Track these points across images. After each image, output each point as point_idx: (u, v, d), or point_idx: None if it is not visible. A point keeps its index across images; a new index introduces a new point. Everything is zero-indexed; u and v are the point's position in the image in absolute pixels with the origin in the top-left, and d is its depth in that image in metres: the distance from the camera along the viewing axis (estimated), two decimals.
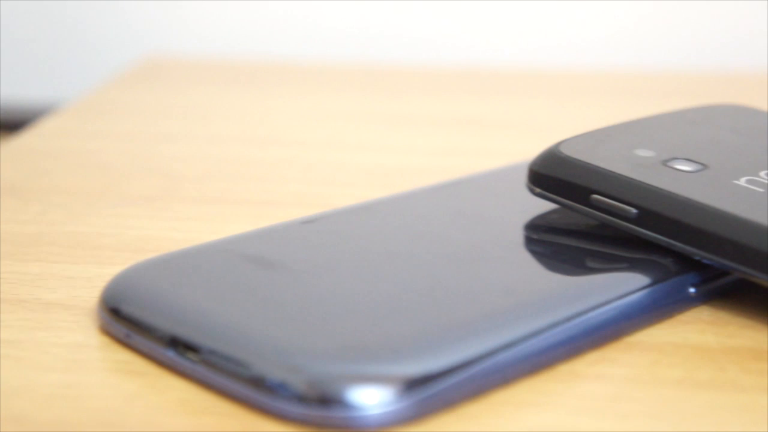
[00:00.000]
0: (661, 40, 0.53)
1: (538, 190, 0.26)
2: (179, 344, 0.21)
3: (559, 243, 0.26)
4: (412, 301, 0.22)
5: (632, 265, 0.24)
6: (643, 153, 0.26)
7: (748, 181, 0.25)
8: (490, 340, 0.21)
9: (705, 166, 0.26)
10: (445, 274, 0.23)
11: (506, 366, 0.21)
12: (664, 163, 0.26)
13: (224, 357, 0.20)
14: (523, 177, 0.27)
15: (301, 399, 0.19)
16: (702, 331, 0.23)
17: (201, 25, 0.56)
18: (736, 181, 0.25)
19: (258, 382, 0.20)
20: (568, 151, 0.26)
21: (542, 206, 0.27)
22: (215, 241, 0.25)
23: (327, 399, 0.19)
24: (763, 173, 0.25)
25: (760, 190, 0.24)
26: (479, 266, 0.24)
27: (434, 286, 0.23)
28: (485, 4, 0.53)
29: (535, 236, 0.26)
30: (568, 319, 0.22)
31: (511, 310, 0.22)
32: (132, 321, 0.22)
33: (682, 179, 0.25)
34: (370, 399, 0.19)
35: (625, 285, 0.23)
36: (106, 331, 0.22)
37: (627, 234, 0.25)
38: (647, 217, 0.24)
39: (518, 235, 0.26)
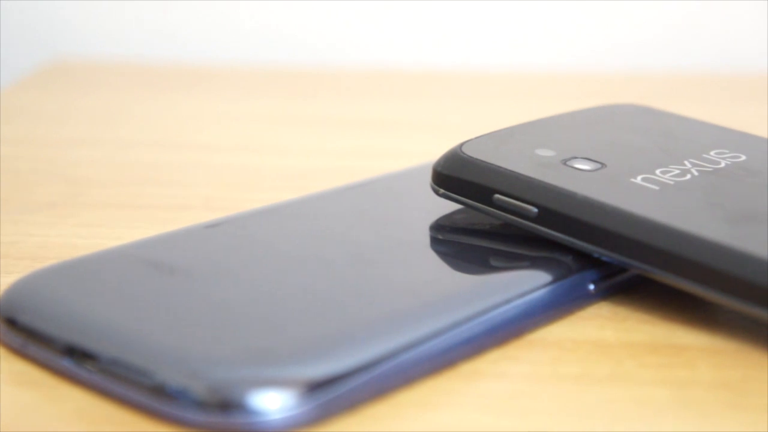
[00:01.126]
0: (571, 41, 0.53)
1: (441, 190, 0.26)
2: (76, 353, 0.20)
3: (463, 243, 0.26)
4: (314, 303, 0.22)
5: (533, 264, 0.24)
6: (543, 153, 0.27)
7: (644, 179, 0.25)
8: (392, 341, 0.21)
9: (603, 165, 0.26)
10: (349, 275, 0.23)
11: (409, 366, 0.21)
12: (564, 162, 0.26)
13: (123, 365, 0.20)
14: (428, 178, 0.27)
15: (202, 406, 0.19)
16: (601, 327, 0.23)
17: (108, 28, 0.55)
18: (633, 179, 0.25)
19: (158, 390, 0.19)
20: (471, 152, 0.26)
21: (447, 206, 0.27)
22: (116, 247, 0.24)
23: (228, 405, 0.19)
24: (658, 171, 0.26)
25: (655, 187, 0.25)
26: (383, 267, 0.24)
27: (337, 288, 0.23)
28: (392, 6, 0.54)
29: (439, 236, 0.26)
30: (470, 318, 0.22)
31: (414, 310, 0.22)
32: (28, 330, 0.21)
33: (580, 178, 0.25)
34: (272, 403, 0.19)
35: (526, 283, 0.23)
36: (2, 341, 0.22)
37: (529, 233, 0.25)
38: (547, 215, 0.25)
39: (422, 236, 0.26)
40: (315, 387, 0.19)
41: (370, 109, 0.43)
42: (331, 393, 0.20)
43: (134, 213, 0.30)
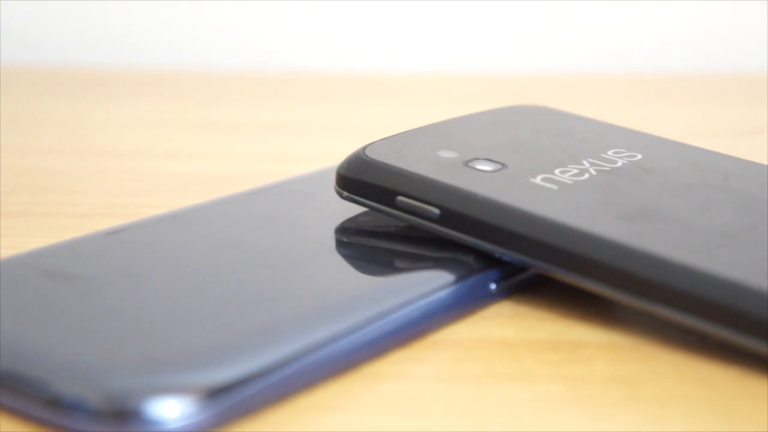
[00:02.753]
0: (481, 43, 0.54)
1: (345, 193, 0.26)
2: None
3: (367, 245, 0.26)
4: (215, 309, 0.22)
5: (436, 265, 0.25)
6: (446, 154, 0.27)
7: (544, 179, 0.26)
8: (292, 345, 0.21)
9: (504, 166, 0.26)
10: (250, 280, 0.23)
11: (310, 370, 0.21)
12: (466, 163, 0.26)
13: (17, 377, 0.20)
14: (333, 181, 0.27)
15: (99, 416, 0.19)
16: (502, 326, 0.24)
17: (10, 33, 0.54)
18: (533, 180, 0.26)
19: (54, 402, 0.19)
20: (374, 155, 0.26)
21: (352, 209, 0.27)
22: (12, 256, 0.24)
23: (125, 414, 0.19)
24: (558, 171, 0.26)
25: (554, 187, 0.25)
26: (285, 272, 0.24)
27: (238, 294, 0.23)
28: (301, 8, 0.53)
29: (344, 239, 0.26)
30: (371, 320, 0.22)
31: (315, 313, 0.22)
32: None
33: (481, 179, 0.26)
34: (170, 411, 0.19)
35: (427, 284, 0.24)
36: None
37: (433, 234, 0.25)
38: (449, 216, 0.25)
39: (327, 239, 0.26)
40: (214, 393, 0.19)
41: (279, 113, 0.43)
42: (231, 399, 0.20)
43: (33, 221, 0.30)
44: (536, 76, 0.50)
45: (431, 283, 0.24)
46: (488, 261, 0.25)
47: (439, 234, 0.25)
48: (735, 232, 0.24)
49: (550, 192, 0.25)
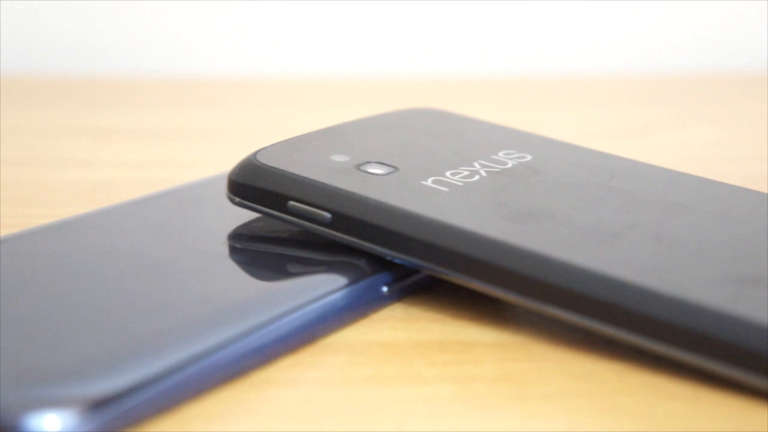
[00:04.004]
0: (375, 46, 0.54)
1: (237, 199, 0.26)
2: None
3: (260, 251, 0.26)
4: (100, 319, 0.21)
5: (327, 269, 0.25)
6: (338, 158, 0.27)
7: (435, 182, 0.26)
8: (178, 354, 0.21)
9: (396, 169, 0.27)
10: (139, 289, 0.23)
11: (196, 378, 0.21)
12: (358, 167, 0.26)
13: None
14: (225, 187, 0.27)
15: None
16: (393, 328, 0.24)
17: None
18: (424, 182, 0.26)
19: None
20: (265, 160, 0.26)
21: (246, 215, 0.27)
22: None
23: (3, 429, 0.18)
24: (448, 173, 0.27)
25: (445, 189, 0.26)
26: (175, 280, 0.24)
27: (125, 303, 0.22)
28: (193, 11, 0.53)
29: (236, 245, 0.26)
30: (259, 327, 0.22)
31: (202, 321, 0.22)
32: None
33: (372, 182, 0.26)
34: (51, 425, 0.19)
35: (318, 289, 0.24)
36: None
37: (326, 239, 0.25)
38: (340, 220, 0.25)
39: (219, 246, 0.26)
40: (97, 405, 0.19)
41: (171, 118, 0.43)
42: (116, 410, 0.19)
43: None
44: (431, 79, 0.50)
45: (322, 287, 0.24)
46: (380, 264, 0.25)
47: (330, 238, 0.25)
48: (619, 229, 0.24)
49: (440, 194, 0.25)
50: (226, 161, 0.28)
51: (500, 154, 0.28)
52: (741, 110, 0.42)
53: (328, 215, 0.25)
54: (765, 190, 0.27)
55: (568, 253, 0.23)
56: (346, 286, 0.24)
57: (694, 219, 0.25)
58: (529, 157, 0.28)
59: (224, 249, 0.26)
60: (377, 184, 0.26)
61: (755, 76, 0.48)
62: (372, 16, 0.53)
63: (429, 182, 0.26)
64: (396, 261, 0.24)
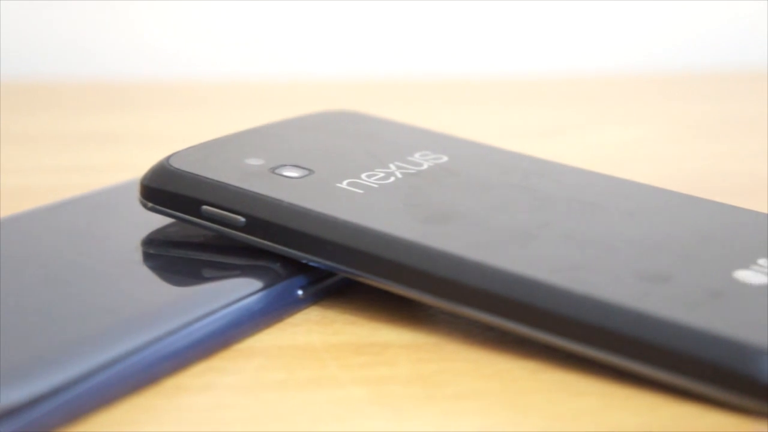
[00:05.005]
0: (292, 48, 0.54)
1: (150, 204, 0.26)
2: None
3: (173, 256, 0.26)
4: (6, 327, 0.21)
5: (241, 273, 0.24)
6: (252, 162, 0.27)
7: (350, 184, 0.26)
8: (86, 362, 0.20)
9: (311, 172, 0.26)
10: (48, 296, 0.22)
11: (105, 387, 0.20)
12: (272, 170, 0.26)
13: None
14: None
15: None
16: (309, 332, 0.24)
17: None
18: (339, 184, 0.26)
19: None
20: (178, 164, 0.26)
21: (161, 220, 0.27)
22: None
23: None
24: (364, 175, 0.27)
25: (360, 191, 0.26)
26: (87, 286, 0.23)
27: (34, 311, 0.22)
28: (112, 14, 0.52)
29: (150, 251, 0.26)
30: (171, 332, 0.22)
31: (113, 328, 0.21)
32: None
33: (287, 185, 0.26)
34: None
35: (231, 293, 0.23)
36: None
37: (240, 243, 0.25)
38: (254, 224, 0.25)
39: (132, 252, 0.25)
40: (2, 416, 0.19)
41: (83, 122, 0.42)
42: (21, 420, 0.19)
43: None
44: (351, 81, 0.50)
45: (235, 292, 0.23)
46: (295, 267, 0.25)
47: (245, 242, 0.25)
48: (531, 229, 0.24)
49: (355, 196, 0.25)
50: (140, 166, 0.28)
51: (416, 155, 0.28)
52: (657, 110, 0.43)
53: (242, 219, 0.25)
54: (677, 188, 0.27)
55: (480, 254, 0.23)
56: (261, 290, 0.24)
57: (605, 218, 0.26)
58: (444, 159, 0.28)
59: (137, 255, 0.25)
60: (292, 187, 0.25)
61: (671, 76, 0.49)
62: (288, 16, 0.53)
63: (344, 185, 0.26)
64: (311, 264, 0.24)
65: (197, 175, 0.25)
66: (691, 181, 0.33)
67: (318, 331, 0.24)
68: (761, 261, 0.23)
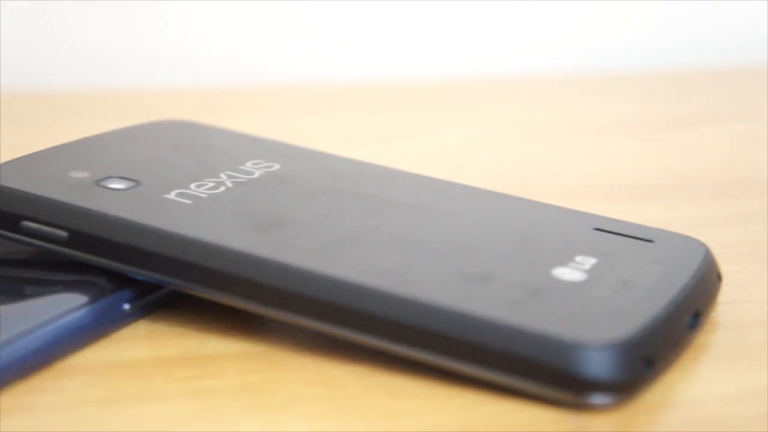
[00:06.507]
0: (124, 58, 0.53)
1: None
2: None
3: None
4: None
5: (65, 289, 0.24)
6: (77, 174, 0.26)
7: (178, 195, 0.26)
8: None
9: (138, 183, 0.26)
10: None
11: None
12: (97, 183, 0.26)
13: None
14: None
15: None
16: (136, 347, 0.23)
17: None
18: (167, 195, 0.26)
19: None
20: None
21: None
22: None
23: None
24: (193, 185, 0.26)
25: (188, 202, 0.25)
26: None
27: None
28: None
29: None
30: None
31: None
32: None
33: (112, 198, 0.25)
34: None
35: (53, 309, 0.23)
36: None
37: (64, 258, 0.24)
38: (78, 238, 0.24)
39: None
40: None
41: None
42: None
43: None
44: (187, 90, 0.49)
45: (57, 308, 0.23)
46: (121, 281, 0.24)
47: (69, 257, 0.24)
48: (360, 234, 0.25)
49: (183, 207, 0.25)
50: None
51: (248, 164, 0.28)
52: (490, 114, 0.44)
53: (64, 234, 0.24)
54: (505, 190, 0.28)
55: (308, 261, 0.23)
56: (84, 305, 0.23)
57: (433, 221, 0.26)
58: (277, 167, 0.28)
59: None
60: (117, 200, 0.25)
61: (505, 79, 0.50)
62: (120, 27, 0.52)
63: (172, 195, 0.26)
64: (138, 278, 0.24)
65: (16, 189, 0.25)
66: (519, 182, 0.34)
67: (145, 346, 0.23)
68: (578, 258, 0.24)
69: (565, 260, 0.24)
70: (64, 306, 0.23)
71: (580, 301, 0.23)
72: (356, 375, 0.22)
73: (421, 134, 0.40)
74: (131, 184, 0.26)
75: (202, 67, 0.52)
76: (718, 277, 0.25)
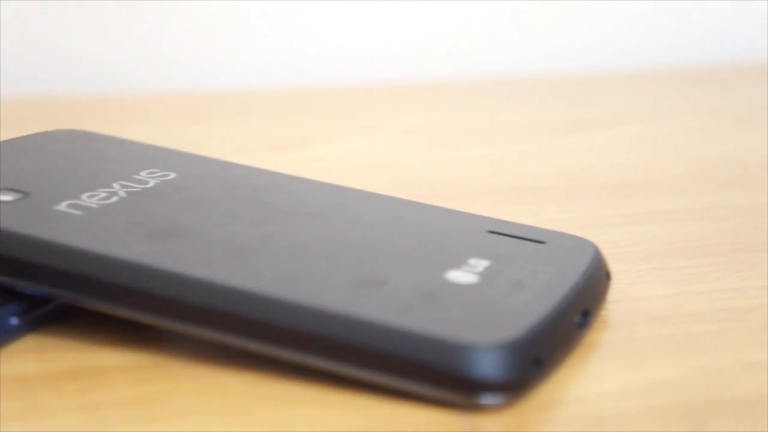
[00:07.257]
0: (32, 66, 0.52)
1: None
2: None
3: None
4: None
5: None
6: None
7: (69, 206, 0.25)
8: None
9: (26, 195, 0.26)
10: None
11: None
12: None
13: None
14: None
15: None
16: (24, 361, 0.23)
17: None
18: (57, 207, 0.25)
19: None
20: None
21: None
22: None
23: None
24: (84, 196, 0.26)
25: (79, 213, 0.25)
26: None
27: None
28: None
29: None
30: None
31: None
32: None
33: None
34: None
35: None
36: None
37: None
38: None
39: None
40: None
41: None
42: None
43: None
44: (83, 99, 0.49)
45: None
46: (9, 294, 0.24)
47: None
48: (254, 242, 0.25)
49: (73, 218, 0.25)
50: None
51: (143, 173, 0.28)
52: (392, 120, 0.44)
53: None
54: (403, 195, 0.28)
55: (199, 269, 0.23)
56: None
57: (329, 227, 0.26)
58: (172, 175, 0.28)
59: None
60: (4, 212, 0.24)
61: (407, 85, 0.50)
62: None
63: (62, 207, 0.25)
64: (26, 291, 0.24)
65: None
66: (419, 187, 0.34)
67: (34, 360, 0.23)
68: (471, 261, 0.24)
69: (459, 263, 0.24)
70: None
71: (471, 303, 0.23)
72: (250, 383, 0.22)
73: (322, 141, 0.40)
74: (19, 195, 0.25)
75: (96, 77, 0.51)
76: (608, 276, 0.26)
